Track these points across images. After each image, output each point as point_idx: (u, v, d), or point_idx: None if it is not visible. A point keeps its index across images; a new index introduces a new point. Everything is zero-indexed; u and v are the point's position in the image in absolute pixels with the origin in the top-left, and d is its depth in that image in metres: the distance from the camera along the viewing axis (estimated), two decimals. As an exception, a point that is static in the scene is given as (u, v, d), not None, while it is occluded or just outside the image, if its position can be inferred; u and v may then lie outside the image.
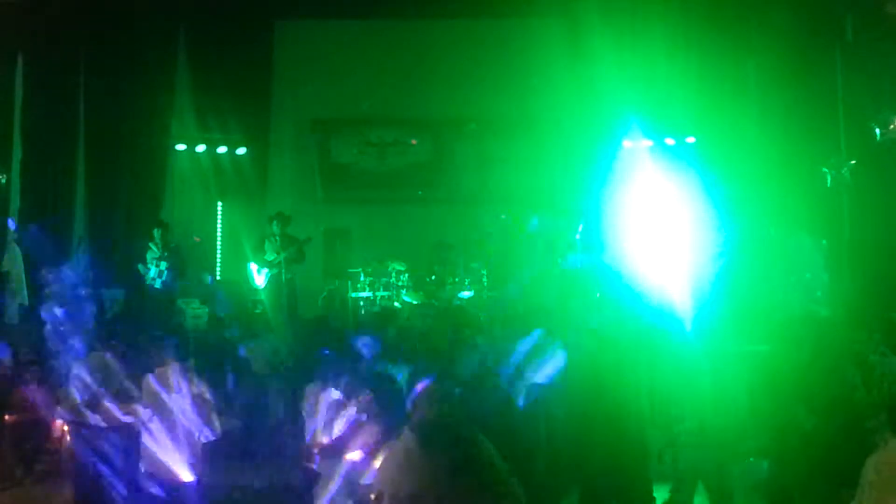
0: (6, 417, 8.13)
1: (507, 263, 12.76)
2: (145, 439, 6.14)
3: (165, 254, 11.54)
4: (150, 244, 11.62)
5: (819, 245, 10.32)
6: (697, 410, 6.16)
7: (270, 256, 11.94)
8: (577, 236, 12.25)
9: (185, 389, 6.05)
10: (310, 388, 6.03)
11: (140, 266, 11.60)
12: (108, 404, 6.57)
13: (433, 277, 12.27)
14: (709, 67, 12.16)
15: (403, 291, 12.39)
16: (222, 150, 13.73)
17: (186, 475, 5.93)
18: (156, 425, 6.05)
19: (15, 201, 11.70)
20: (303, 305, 12.16)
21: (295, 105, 14.25)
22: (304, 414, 5.86)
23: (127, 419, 6.45)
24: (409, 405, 4.24)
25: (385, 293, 12.44)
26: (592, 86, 12.05)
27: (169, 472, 5.96)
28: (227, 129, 13.46)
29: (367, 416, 5.65)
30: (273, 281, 11.88)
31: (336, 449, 5.67)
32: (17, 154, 11.68)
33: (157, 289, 11.55)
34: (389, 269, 12.53)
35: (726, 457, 6.20)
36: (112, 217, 12.71)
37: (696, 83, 12.18)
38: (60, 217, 12.29)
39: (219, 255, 14.11)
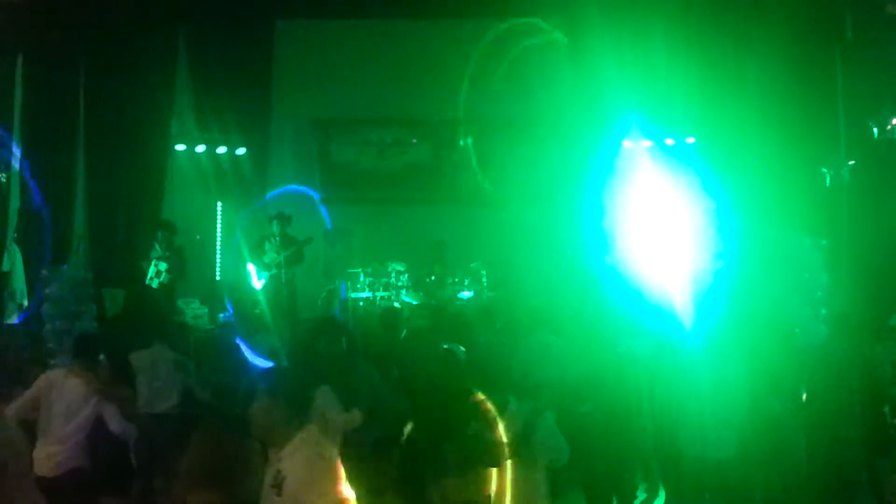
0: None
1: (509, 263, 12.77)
2: None
3: (167, 254, 11.54)
4: (154, 243, 11.62)
5: (819, 245, 10.32)
6: (698, 414, 6.15)
7: (270, 257, 11.94)
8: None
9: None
10: None
11: (143, 263, 11.60)
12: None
13: (433, 277, 12.27)
14: (709, 67, 12.14)
15: (403, 291, 12.39)
16: (222, 150, 13.74)
17: None
18: None
19: (15, 201, 11.69)
20: (303, 306, 12.16)
21: (295, 105, 14.24)
22: None
23: None
24: None
25: (385, 293, 12.44)
26: (592, 86, 12.05)
27: None
28: (227, 129, 13.45)
29: None
30: (273, 281, 11.88)
31: None
32: (17, 154, 11.66)
33: (154, 288, 11.56)
34: (389, 269, 12.54)
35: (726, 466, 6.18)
36: (112, 217, 12.70)
37: (696, 83, 12.16)
38: (60, 217, 12.29)
39: (219, 255, 14.12)
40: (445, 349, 5.66)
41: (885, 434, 6.71)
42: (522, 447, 4.93)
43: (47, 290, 10.68)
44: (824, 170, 11.25)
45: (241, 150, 13.74)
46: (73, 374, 6.17)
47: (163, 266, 11.50)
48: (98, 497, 6.06)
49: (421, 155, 14.55)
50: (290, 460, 3.67)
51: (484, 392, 5.11)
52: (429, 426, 4.64)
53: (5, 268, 11.16)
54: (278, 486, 3.63)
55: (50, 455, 5.95)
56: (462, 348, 5.69)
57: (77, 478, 5.95)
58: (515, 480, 4.95)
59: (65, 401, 6.05)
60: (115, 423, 6.23)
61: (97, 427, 6.14)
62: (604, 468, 6.91)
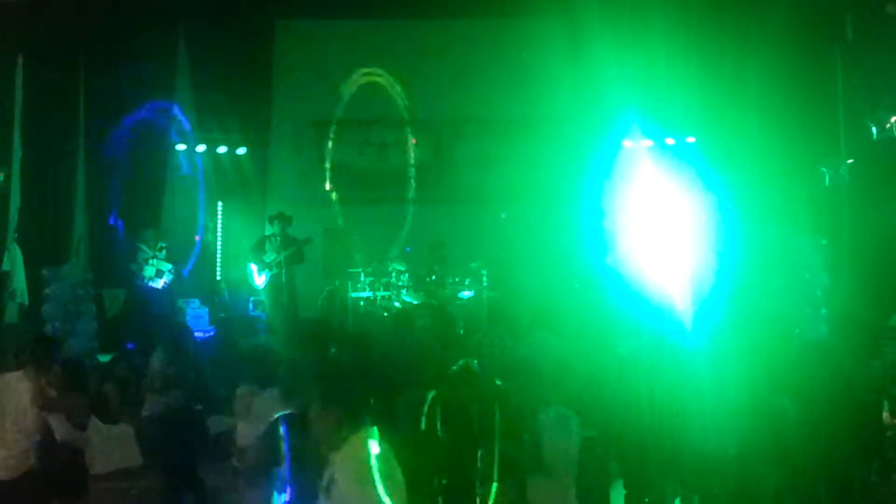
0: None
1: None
2: None
3: (162, 255, 11.58)
4: (141, 245, 11.64)
5: (819, 245, 10.31)
6: (698, 415, 6.14)
7: (270, 257, 11.95)
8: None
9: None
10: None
11: (133, 266, 11.61)
12: None
13: (433, 277, 12.25)
14: (709, 67, 12.16)
15: (403, 291, 12.38)
16: (222, 150, 13.75)
17: None
18: None
19: (15, 201, 11.69)
20: (303, 305, 12.16)
21: (295, 105, 14.25)
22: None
23: None
24: None
25: (385, 293, 12.42)
26: (592, 86, 12.05)
27: None
28: (227, 129, 13.48)
29: None
30: (273, 281, 11.88)
31: None
32: (17, 154, 11.67)
33: (155, 289, 11.58)
34: (389, 269, 12.51)
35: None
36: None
37: (696, 83, 12.17)
38: (60, 217, 12.29)
39: (219, 255, 14.12)
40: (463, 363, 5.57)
41: (880, 434, 6.71)
42: (552, 453, 4.91)
43: (47, 290, 10.69)
44: (823, 169, 11.26)
45: (241, 150, 13.75)
46: (25, 378, 6.12)
47: (165, 266, 11.53)
48: (50, 501, 6.05)
49: (421, 155, 14.55)
50: (341, 463, 3.71)
51: (518, 398, 5.07)
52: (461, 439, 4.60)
53: (5, 267, 11.15)
54: (327, 488, 3.67)
55: (3, 458, 5.93)
56: (475, 361, 5.59)
57: (32, 480, 5.92)
58: (547, 487, 4.93)
59: (14, 404, 6.01)
60: (60, 431, 6.14)
61: (48, 432, 6.12)
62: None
